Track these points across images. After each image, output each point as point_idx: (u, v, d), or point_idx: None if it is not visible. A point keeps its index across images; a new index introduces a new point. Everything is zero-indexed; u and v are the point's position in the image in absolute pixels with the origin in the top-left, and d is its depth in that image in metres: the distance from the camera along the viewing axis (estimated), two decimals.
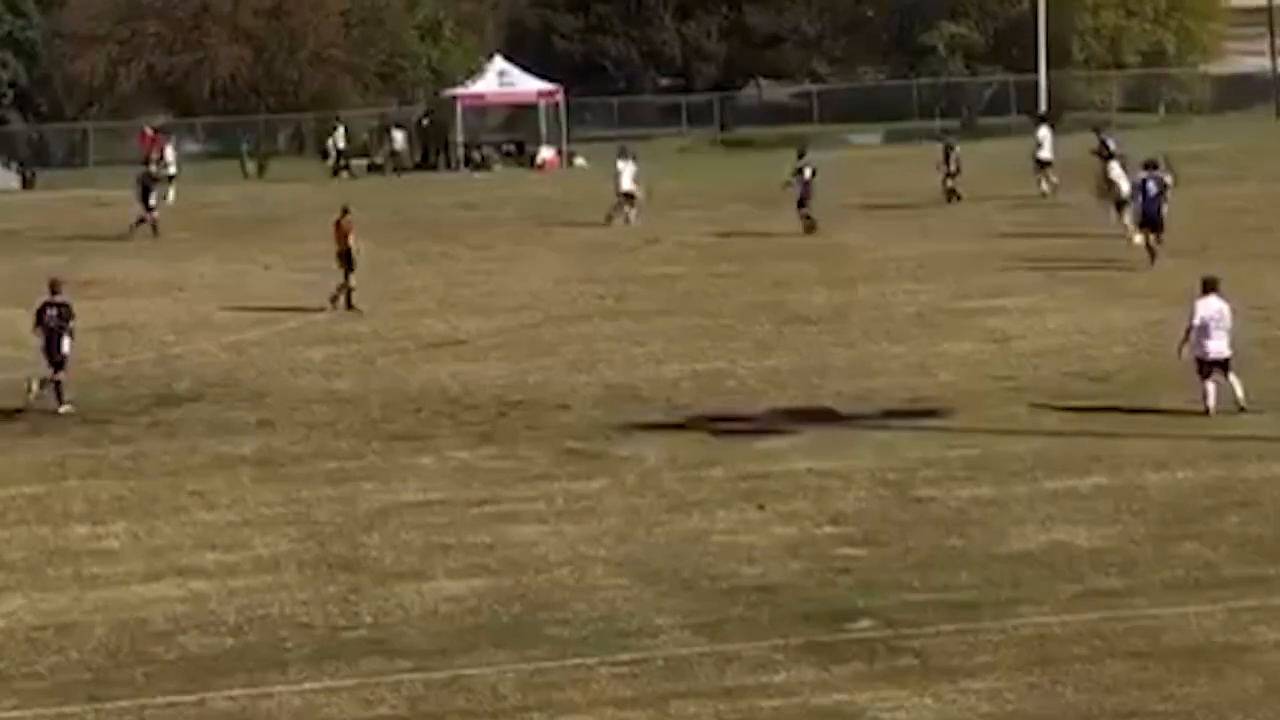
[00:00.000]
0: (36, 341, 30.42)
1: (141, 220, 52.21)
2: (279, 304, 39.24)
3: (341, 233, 38.44)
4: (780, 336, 34.18)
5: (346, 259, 38.21)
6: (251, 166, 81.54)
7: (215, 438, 27.47)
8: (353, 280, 38.21)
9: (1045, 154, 53.25)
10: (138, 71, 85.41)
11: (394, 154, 77.31)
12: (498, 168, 75.56)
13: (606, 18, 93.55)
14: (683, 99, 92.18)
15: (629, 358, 32.72)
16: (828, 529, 21.63)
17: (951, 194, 53.56)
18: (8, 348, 35.67)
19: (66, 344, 30.12)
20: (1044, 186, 52.82)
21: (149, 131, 74.14)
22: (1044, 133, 53.98)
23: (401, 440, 26.96)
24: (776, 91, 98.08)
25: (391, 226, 53.26)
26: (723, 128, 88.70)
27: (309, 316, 37.75)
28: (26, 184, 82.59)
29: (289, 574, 20.67)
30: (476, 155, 77.24)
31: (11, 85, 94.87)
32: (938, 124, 58.98)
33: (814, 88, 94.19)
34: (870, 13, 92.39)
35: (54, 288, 30.95)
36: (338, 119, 78.24)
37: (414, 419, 28.41)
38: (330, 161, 76.12)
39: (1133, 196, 41.73)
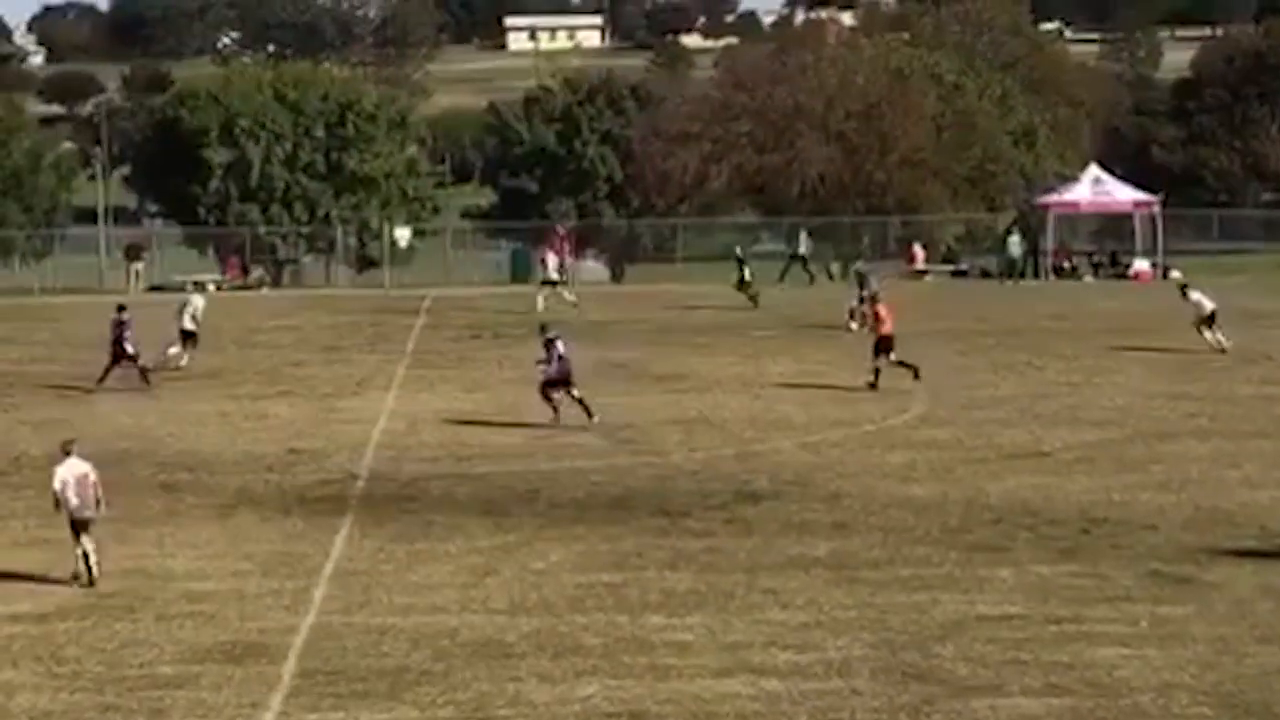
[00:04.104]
0: None
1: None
2: (857, 406, 39.11)
3: (879, 317, 42.16)
4: None
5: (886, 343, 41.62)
6: (835, 268, 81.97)
7: (790, 537, 27.29)
8: (881, 361, 41.35)
9: None
10: (728, 170, 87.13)
11: (1010, 261, 74.36)
12: (1087, 278, 74.04)
13: (1209, 128, 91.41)
14: None
15: (1221, 480, 31.35)
16: None
17: None
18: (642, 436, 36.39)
19: None
20: None
21: (560, 231, 74.48)
22: None
23: (979, 551, 26.29)
24: None
25: (975, 333, 52.75)
26: None
27: (888, 421, 37.48)
28: (616, 277, 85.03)
29: (861, 680, 20.25)
30: (1066, 264, 75.81)
31: (607, 180, 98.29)
32: None
33: None
34: None
35: None
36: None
37: (993, 530, 27.71)
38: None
39: None
